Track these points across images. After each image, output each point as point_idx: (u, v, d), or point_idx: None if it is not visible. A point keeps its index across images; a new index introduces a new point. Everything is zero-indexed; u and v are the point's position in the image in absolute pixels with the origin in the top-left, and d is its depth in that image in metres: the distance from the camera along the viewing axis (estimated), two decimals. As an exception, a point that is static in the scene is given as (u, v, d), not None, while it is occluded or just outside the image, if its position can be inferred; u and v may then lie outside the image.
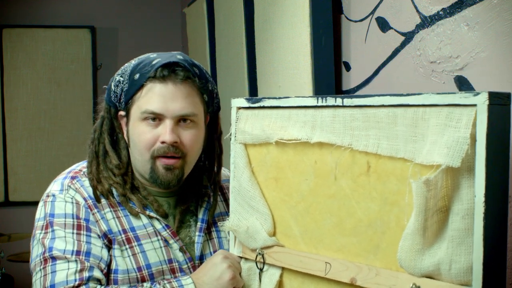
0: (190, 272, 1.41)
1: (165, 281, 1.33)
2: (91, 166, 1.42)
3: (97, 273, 1.30)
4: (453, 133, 0.95)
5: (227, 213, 1.55)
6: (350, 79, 1.94)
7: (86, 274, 1.29)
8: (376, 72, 1.79)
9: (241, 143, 1.35)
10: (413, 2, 1.58)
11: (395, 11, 1.67)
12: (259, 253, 1.34)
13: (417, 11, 1.56)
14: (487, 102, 0.92)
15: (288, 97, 1.25)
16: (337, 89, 1.98)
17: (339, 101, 1.14)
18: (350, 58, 1.94)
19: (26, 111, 4.40)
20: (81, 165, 1.48)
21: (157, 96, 1.35)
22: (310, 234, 1.24)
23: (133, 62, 1.42)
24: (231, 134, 1.38)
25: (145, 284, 1.33)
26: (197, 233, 1.46)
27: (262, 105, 1.31)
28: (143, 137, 1.37)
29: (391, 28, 1.69)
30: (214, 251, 1.48)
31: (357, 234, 1.14)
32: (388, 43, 1.71)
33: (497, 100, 0.93)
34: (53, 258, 1.31)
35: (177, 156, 1.37)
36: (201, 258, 1.45)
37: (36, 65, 4.40)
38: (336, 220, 1.18)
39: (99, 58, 4.47)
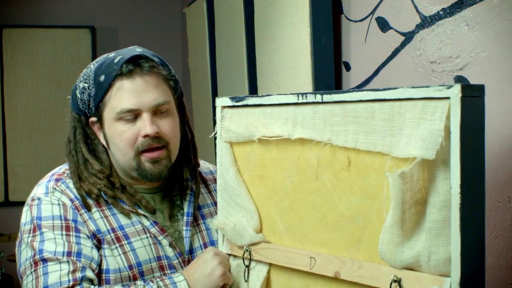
0: (181, 267, 1.42)
1: (158, 279, 1.33)
2: (75, 176, 1.41)
3: (89, 273, 1.30)
4: (428, 126, 0.96)
5: (213, 204, 1.57)
6: (350, 79, 1.94)
7: (79, 275, 1.29)
8: (376, 72, 1.79)
9: (226, 141, 1.37)
10: (413, 2, 1.58)
11: (395, 11, 1.67)
12: (246, 250, 1.35)
13: (417, 11, 1.56)
14: (460, 95, 0.93)
15: (270, 95, 1.27)
16: (337, 89, 1.98)
17: (318, 97, 1.16)
18: (350, 58, 1.94)
19: (26, 111, 4.40)
20: (64, 168, 1.47)
21: (128, 93, 1.35)
22: (295, 230, 1.26)
23: (92, 66, 1.41)
24: (215, 133, 1.38)
25: (138, 282, 1.33)
26: (184, 228, 1.47)
27: (245, 104, 1.32)
28: (124, 136, 1.37)
29: (391, 28, 1.69)
30: (204, 244, 1.49)
31: (339, 228, 1.16)
32: (388, 43, 1.71)
33: (470, 92, 0.94)
34: (44, 260, 1.30)
35: (161, 146, 1.38)
36: (191, 252, 1.46)
37: (36, 65, 4.40)
38: (319, 215, 1.20)
39: (99, 58, 4.48)
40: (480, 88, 0.97)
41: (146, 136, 1.36)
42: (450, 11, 1.43)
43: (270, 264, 1.33)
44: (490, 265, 1.33)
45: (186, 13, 3.83)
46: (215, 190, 1.59)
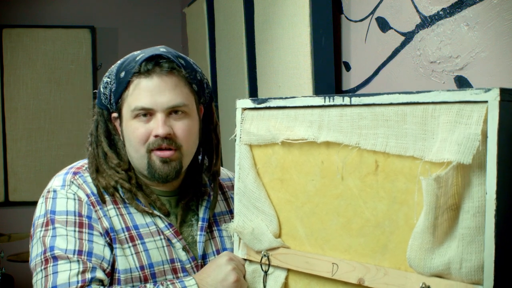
0: (194, 272, 1.40)
1: (168, 282, 1.32)
2: (93, 167, 1.41)
3: (99, 274, 1.29)
4: (464, 130, 0.94)
5: (227, 212, 1.55)
6: (350, 79, 1.94)
7: (88, 276, 1.27)
8: (376, 72, 1.79)
9: (246, 144, 1.34)
10: (413, 2, 1.58)
11: (395, 11, 1.67)
12: (264, 255, 1.32)
13: (417, 11, 1.56)
14: (498, 99, 0.91)
15: (294, 97, 1.24)
16: (337, 89, 1.98)
17: (346, 100, 1.13)
18: (350, 58, 1.94)
19: (26, 111, 4.40)
20: (83, 162, 1.46)
21: (144, 91, 1.34)
22: (316, 235, 1.23)
23: (119, 62, 1.42)
24: (235, 135, 1.36)
25: (148, 285, 1.31)
26: (198, 232, 1.46)
27: (268, 106, 1.30)
28: (136, 133, 1.36)
29: (391, 28, 1.69)
30: (217, 250, 1.47)
31: (364, 234, 1.13)
32: (388, 43, 1.71)
33: (508, 97, 0.93)
34: (55, 258, 1.29)
35: (172, 148, 1.37)
36: (204, 258, 1.44)
37: (36, 65, 4.40)
38: (343, 220, 1.17)
39: (99, 58, 4.47)
40: None
41: (157, 136, 1.35)
42: (450, 11, 1.43)
43: (288, 270, 1.30)
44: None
45: (186, 13, 3.83)
46: (231, 197, 1.58)
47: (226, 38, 2.97)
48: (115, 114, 1.43)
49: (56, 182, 1.40)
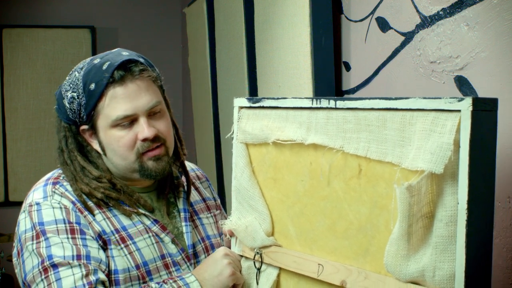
0: (185, 262, 1.43)
1: (171, 281, 1.33)
2: (74, 184, 1.39)
3: (101, 275, 1.29)
4: (437, 139, 0.94)
5: (201, 201, 1.59)
6: (350, 79, 1.94)
7: (93, 278, 1.27)
8: (376, 72, 1.79)
9: (242, 142, 1.36)
10: (413, 2, 1.58)
11: (395, 11, 1.67)
12: (257, 253, 1.35)
13: (417, 11, 1.56)
14: (470, 108, 0.91)
15: (285, 98, 1.26)
16: (337, 89, 1.98)
17: (332, 103, 1.14)
18: (350, 58, 1.93)
19: (26, 111, 4.41)
20: (57, 172, 1.45)
21: (122, 100, 1.34)
22: (305, 235, 1.25)
23: (77, 74, 1.38)
24: (233, 133, 1.38)
25: (152, 284, 1.33)
26: (183, 223, 1.48)
27: (261, 105, 1.32)
28: (122, 142, 1.36)
29: (391, 28, 1.69)
30: (201, 238, 1.51)
31: (348, 237, 1.15)
32: (388, 43, 1.71)
33: (482, 106, 0.92)
34: (55, 266, 1.27)
35: (159, 144, 1.39)
36: (193, 247, 1.47)
37: (36, 65, 4.40)
38: (329, 222, 1.19)
39: (99, 58, 4.47)
40: (493, 102, 0.95)
41: (145, 139, 1.36)
42: (450, 11, 1.43)
43: (280, 268, 1.32)
44: (490, 265, 1.33)
45: (186, 13, 3.83)
46: (199, 187, 1.63)
47: (226, 38, 2.97)
48: (84, 127, 1.41)
49: (36, 195, 1.38)
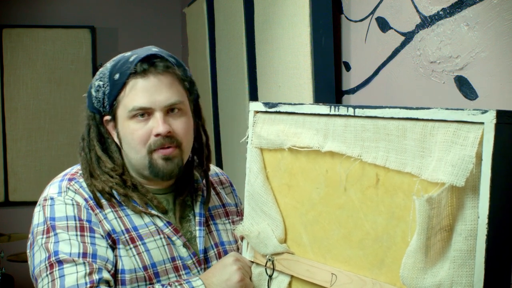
0: (196, 267, 1.41)
1: (176, 283, 1.32)
2: (87, 173, 1.40)
3: (106, 275, 1.29)
4: (459, 151, 0.92)
5: (221, 206, 1.57)
6: (350, 79, 1.94)
7: (96, 277, 1.27)
8: (376, 72, 1.79)
9: (257, 147, 1.34)
10: (413, 2, 1.58)
11: (395, 11, 1.67)
12: (269, 259, 1.32)
13: (417, 11, 1.56)
14: (494, 121, 0.89)
15: (302, 104, 1.24)
16: (337, 89, 1.98)
17: (350, 110, 1.12)
18: (350, 58, 1.94)
19: (26, 111, 4.41)
20: (76, 167, 1.46)
21: (141, 92, 1.35)
22: (319, 244, 1.23)
23: (109, 64, 1.42)
24: (247, 137, 1.36)
25: (156, 286, 1.32)
26: (197, 228, 1.46)
27: (278, 110, 1.29)
28: (136, 135, 1.36)
29: (391, 28, 1.69)
30: (215, 244, 1.49)
31: (363, 247, 1.13)
32: (388, 43, 1.71)
33: (506, 119, 0.90)
34: (60, 262, 1.28)
35: (173, 146, 1.38)
36: (205, 252, 1.46)
37: (36, 65, 4.41)
38: (344, 231, 1.17)
39: (99, 58, 4.47)
40: None
41: (158, 135, 1.35)
42: (450, 11, 1.43)
43: (292, 276, 1.30)
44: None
45: (186, 13, 3.83)
46: (221, 192, 1.61)
47: (226, 38, 2.97)
48: (107, 117, 1.42)
49: (52, 189, 1.39)
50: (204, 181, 1.54)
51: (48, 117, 4.43)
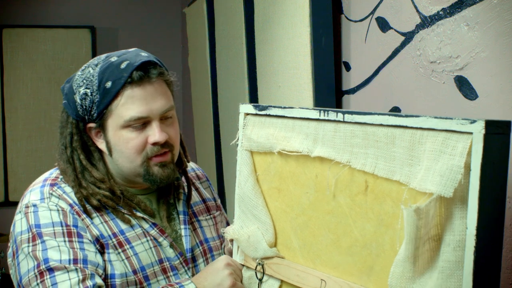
0: (183, 267, 1.41)
1: (169, 287, 1.32)
2: (76, 185, 1.36)
3: (98, 280, 1.27)
4: (448, 161, 0.91)
5: (201, 202, 1.57)
6: (350, 79, 1.94)
7: (90, 283, 1.25)
8: (376, 72, 1.78)
9: (247, 150, 1.33)
10: (413, 2, 1.58)
11: (395, 11, 1.67)
12: (259, 263, 1.32)
13: (417, 11, 1.56)
14: (483, 132, 0.88)
15: (292, 108, 1.23)
16: (337, 89, 1.98)
17: (340, 116, 1.11)
18: (350, 58, 1.94)
19: (26, 111, 4.41)
20: (56, 172, 1.42)
21: (138, 101, 1.32)
22: (309, 249, 1.22)
23: (92, 70, 1.36)
24: (237, 140, 1.36)
25: None
26: (182, 226, 1.46)
27: (268, 113, 1.29)
28: (132, 144, 1.34)
29: (391, 28, 1.69)
30: (200, 241, 1.49)
31: (352, 253, 1.12)
32: (388, 43, 1.71)
33: (495, 129, 0.89)
34: (51, 270, 1.25)
35: (167, 151, 1.38)
36: (192, 251, 1.46)
37: (36, 65, 4.40)
38: (333, 237, 1.16)
39: (99, 58, 4.47)
40: (506, 125, 0.92)
41: (155, 143, 1.34)
42: (450, 11, 1.43)
43: (282, 280, 1.30)
44: (490, 265, 1.32)
45: (186, 13, 3.83)
46: (199, 187, 1.61)
47: (226, 38, 2.97)
48: (92, 125, 1.38)
49: (33, 196, 1.35)
50: (184, 178, 1.53)
51: (48, 117, 4.43)
